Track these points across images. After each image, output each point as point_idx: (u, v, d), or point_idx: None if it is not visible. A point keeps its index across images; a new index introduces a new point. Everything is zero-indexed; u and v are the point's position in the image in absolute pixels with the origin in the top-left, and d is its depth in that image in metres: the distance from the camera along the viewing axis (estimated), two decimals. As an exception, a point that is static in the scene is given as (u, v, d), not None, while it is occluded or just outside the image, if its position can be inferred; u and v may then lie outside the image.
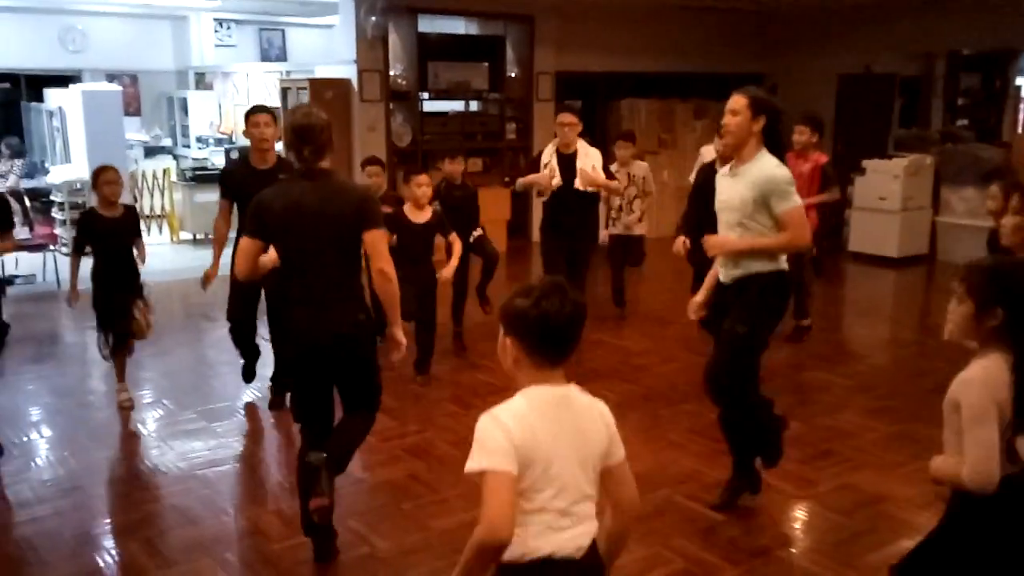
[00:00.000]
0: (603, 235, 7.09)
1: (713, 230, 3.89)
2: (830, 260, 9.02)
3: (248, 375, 5.49)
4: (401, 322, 3.52)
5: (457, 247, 5.67)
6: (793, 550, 3.71)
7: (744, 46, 12.00)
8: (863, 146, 10.88)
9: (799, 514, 4.05)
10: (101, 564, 3.54)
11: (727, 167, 3.82)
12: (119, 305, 5.11)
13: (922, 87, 11.58)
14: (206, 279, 5.09)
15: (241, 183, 4.75)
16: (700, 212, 5.24)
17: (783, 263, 3.77)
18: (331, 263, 3.36)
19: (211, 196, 10.72)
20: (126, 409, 5.26)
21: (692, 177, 6.40)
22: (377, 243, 3.39)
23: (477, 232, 6.32)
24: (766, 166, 3.63)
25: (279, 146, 4.55)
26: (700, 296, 3.99)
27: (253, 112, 4.98)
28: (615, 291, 7.39)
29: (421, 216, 5.52)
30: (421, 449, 4.68)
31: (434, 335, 5.81)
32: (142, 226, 5.61)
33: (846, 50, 11.44)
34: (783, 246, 3.72)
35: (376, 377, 3.56)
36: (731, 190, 3.73)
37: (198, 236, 10.83)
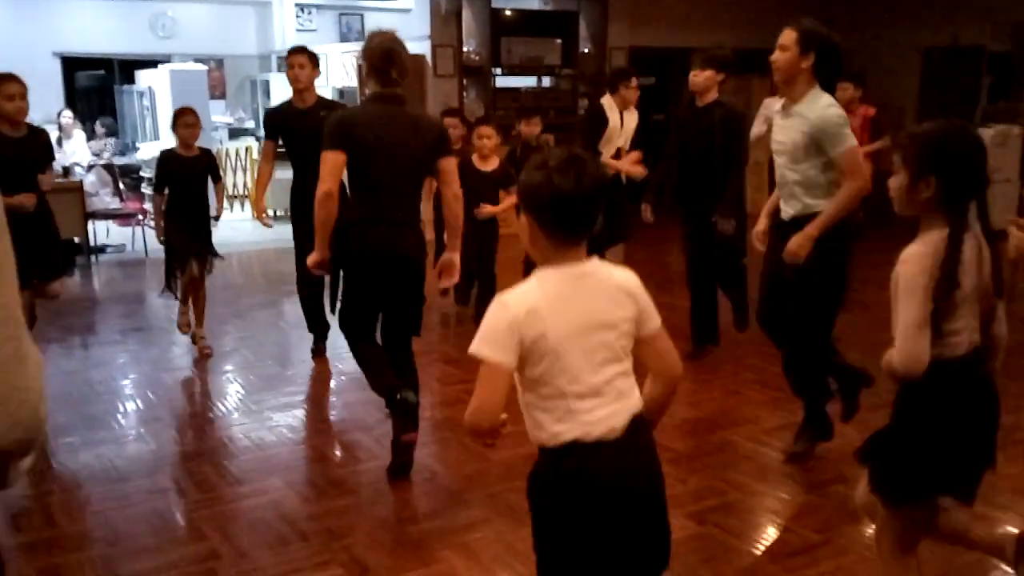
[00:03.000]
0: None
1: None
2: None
3: (317, 351, 5.47)
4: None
5: (510, 200, 5.65)
6: (852, 485, 3.67)
7: (822, 19, 11.74)
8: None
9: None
10: (175, 481, 3.73)
11: (780, 107, 3.67)
12: (184, 246, 5.31)
13: (1013, 60, 11.15)
14: (258, 214, 5.46)
15: (284, 122, 5.11)
16: (669, 163, 5.21)
17: None
18: (406, 186, 3.55)
19: (289, 174, 11.11)
20: (202, 351, 5.48)
21: (752, 132, 6.33)
22: (452, 169, 3.60)
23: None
24: (817, 106, 3.46)
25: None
26: (762, 225, 3.87)
27: (290, 53, 5.16)
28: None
29: (486, 166, 5.62)
30: (483, 393, 4.77)
31: (494, 292, 5.90)
32: (220, 172, 5.82)
33: (930, 22, 11.11)
34: (848, 202, 3.50)
35: (423, 302, 3.74)
36: (784, 132, 3.58)
37: (278, 212, 11.14)
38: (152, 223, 7.25)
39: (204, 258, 5.43)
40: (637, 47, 10.84)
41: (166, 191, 5.34)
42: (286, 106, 5.27)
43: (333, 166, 3.41)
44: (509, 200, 5.67)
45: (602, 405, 1.84)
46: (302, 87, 5.06)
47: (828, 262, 3.60)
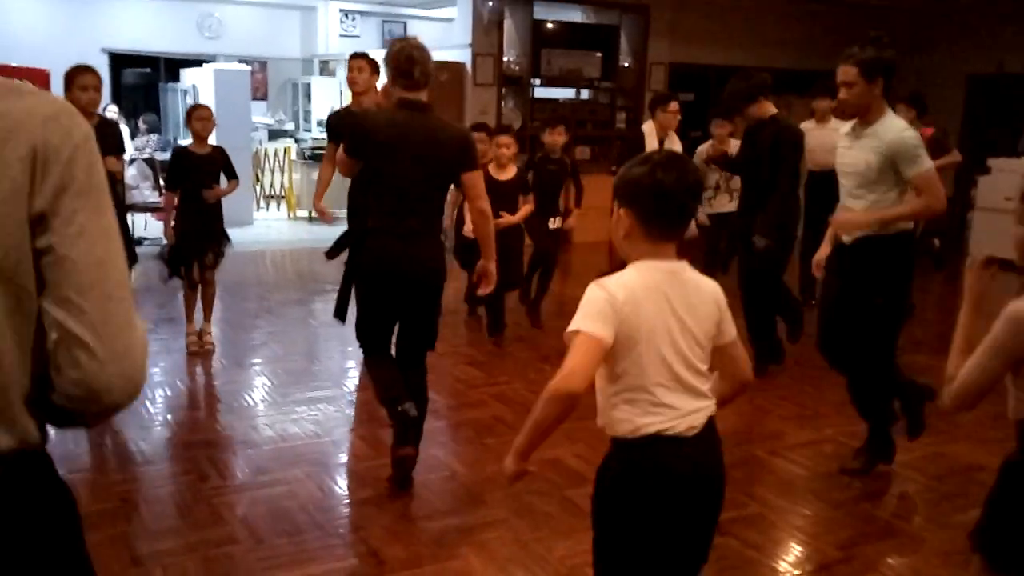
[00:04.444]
0: (701, 217, 6.81)
1: None
2: (951, 259, 8.68)
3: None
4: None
5: (527, 208, 5.70)
6: (877, 504, 3.62)
7: (862, 42, 11.65)
8: (992, 151, 10.40)
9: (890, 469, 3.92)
10: (197, 467, 3.76)
11: (848, 130, 3.65)
12: (193, 246, 5.29)
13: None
14: (320, 213, 5.28)
15: (342, 125, 5.01)
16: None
17: (909, 224, 3.64)
18: (427, 197, 3.46)
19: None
20: (194, 352, 5.41)
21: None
22: (477, 182, 3.50)
23: (554, 223, 5.99)
24: (893, 128, 3.47)
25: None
26: (823, 252, 3.86)
27: (350, 58, 5.23)
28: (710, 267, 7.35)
29: (503, 174, 5.64)
30: (507, 396, 4.76)
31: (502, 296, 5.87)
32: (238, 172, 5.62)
33: (976, 48, 10.98)
34: (916, 213, 3.56)
35: (439, 315, 3.71)
36: (854, 154, 3.56)
37: (312, 214, 11.26)
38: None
39: (215, 255, 5.40)
40: (677, 63, 10.82)
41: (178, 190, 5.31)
42: (346, 113, 5.32)
43: (341, 163, 3.55)
44: (526, 208, 5.70)
45: (687, 402, 1.88)
46: (360, 91, 5.10)
47: (891, 284, 3.61)
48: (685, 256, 1.95)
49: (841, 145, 3.71)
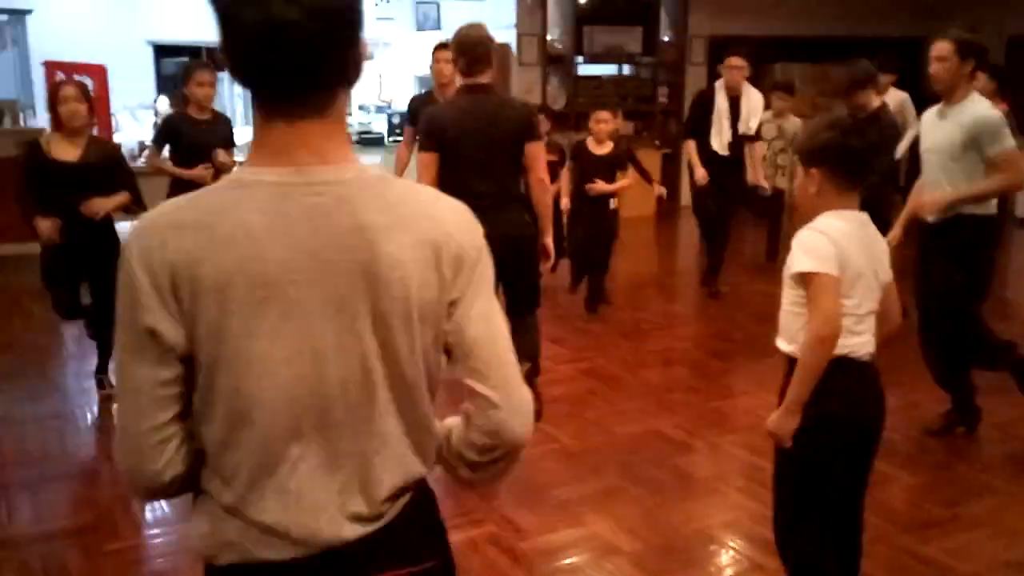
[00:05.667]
0: (767, 184, 6.89)
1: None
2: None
3: None
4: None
5: (625, 181, 5.87)
6: (973, 464, 3.78)
7: (903, 7, 11.64)
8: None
9: (980, 433, 4.05)
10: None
11: (935, 109, 3.79)
12: None
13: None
14: None
15: (422, 110, 5.19)
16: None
17: (992, 207, 3.76)
18: (499, 169, 3.69)
19: (375, 158, 11.38)
20: None
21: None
22: (538, 154, 3.76)
23: (613, 203, 5.96)
24: (978, 107, 3.62)
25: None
26: (898, 229, 3.99)
27: (436, 48, 5.37)
28: (771, 243, 7.49)
29: (601, 149, 5.79)
30: (595, 371, 4.94)
31: (605, 276, 6.09)
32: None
33: (1018, 9, 10.95)
34: (997, 189, 3.67)
35: (539, 277, 3.89)
36: (939, 132, 3.70)
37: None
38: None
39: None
40: (717, 36, 10.86)
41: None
42: (427, 96, 5.48)
43: (425, 167, 3.68)
44: (623, 181, 5.84)
45: (867, 331, 2.24)
46: (446, 81, 5.23)
47: (972, 261, 3.74)
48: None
49: (926, 124, 3.85)
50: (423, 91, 5.69)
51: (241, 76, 1.12)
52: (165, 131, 5.02)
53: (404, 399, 1.20)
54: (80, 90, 4.21)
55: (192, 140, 4.91)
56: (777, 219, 7.55)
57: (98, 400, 4.48)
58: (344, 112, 1.18)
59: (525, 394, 1.27)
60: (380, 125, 12.09)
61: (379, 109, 12.73)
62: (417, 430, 1.23)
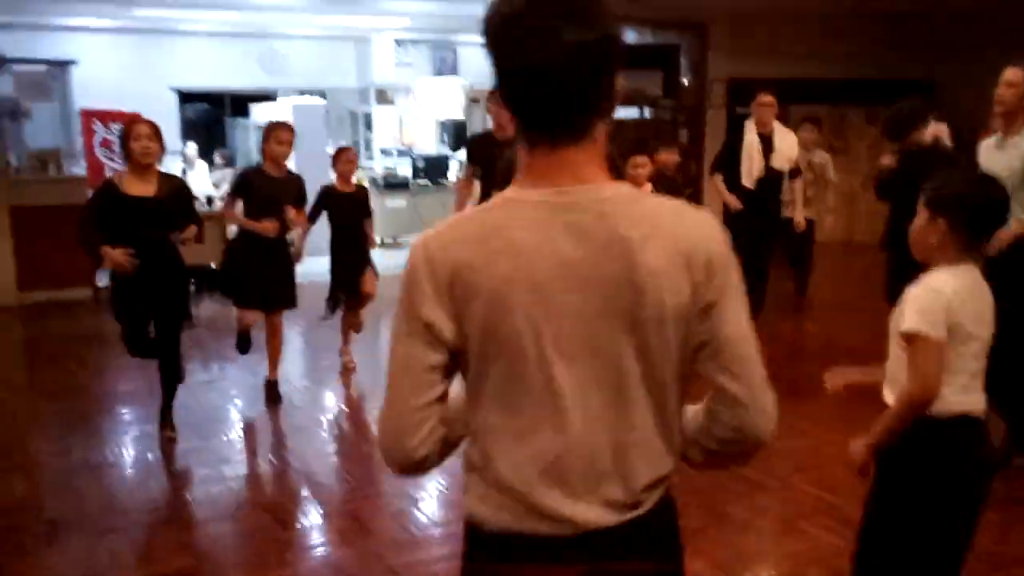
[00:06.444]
0: (799, 218, 6.99)
1: None
2: None
3: None
4: None
5: None
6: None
7: (916, 51, 11.86)
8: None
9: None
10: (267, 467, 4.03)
11: (991, 139, 3.93)
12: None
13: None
14: None
15: (481, 149, 5.43)
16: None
17: None
18: None
19: (400, 202, 11.53)
20: (349, 369, 5.94)
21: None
22: None
23: None
24: None
25: None
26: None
27: (490, 94, 5.57)
28: (800, 279, 7.58)
29: None
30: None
31: None
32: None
33: (1029, 51, 11.15)
34: None
35: None
36: (999, 161, 3.81)
37: (386, 240, 11.55)
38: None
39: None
40: (736, 78, 11.08)
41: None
42: (487, 135, 5.63)
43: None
44: None
45: (981, 389, 2.21)
46: (504, 122, 5.39)
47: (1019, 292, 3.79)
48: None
49: (983, 154, 3.98)
50: (481, 131, 5.84)
51: (511, 111, 1.28)
52: (242, 184, 5.24)
53: (657, 397, 1.29)
54: (152, 128, 4.36)
55: (266, 194, 5.11)
56: (809, 254, 7.62)
57: (164, 443, 4.55)
58: (602, 137, 1.29)
59: (771, 396, 1.33)
60: (404, 168, 12.24)
61: (400, 153, 12.89)
62: (667, 426, 1.31)
